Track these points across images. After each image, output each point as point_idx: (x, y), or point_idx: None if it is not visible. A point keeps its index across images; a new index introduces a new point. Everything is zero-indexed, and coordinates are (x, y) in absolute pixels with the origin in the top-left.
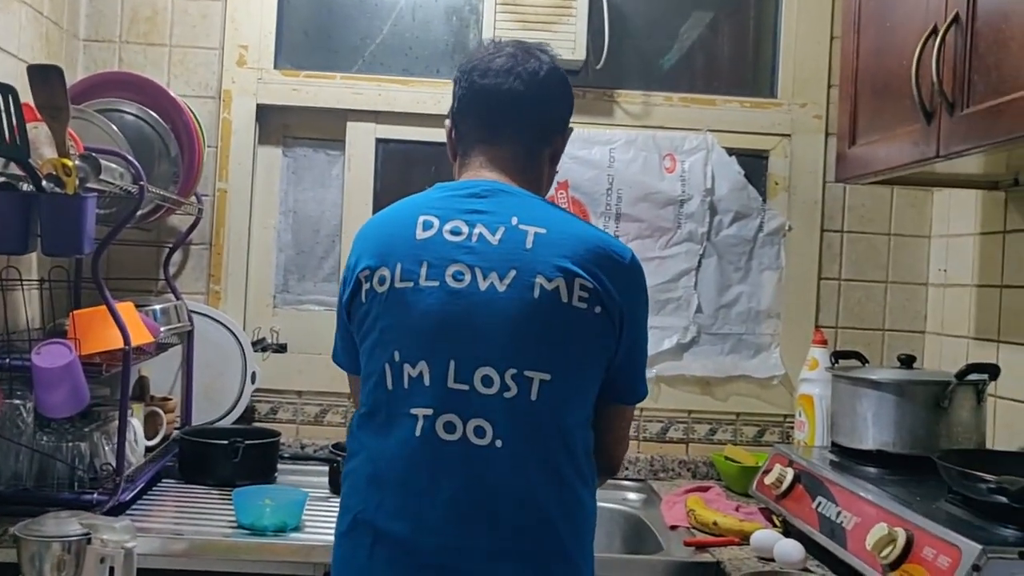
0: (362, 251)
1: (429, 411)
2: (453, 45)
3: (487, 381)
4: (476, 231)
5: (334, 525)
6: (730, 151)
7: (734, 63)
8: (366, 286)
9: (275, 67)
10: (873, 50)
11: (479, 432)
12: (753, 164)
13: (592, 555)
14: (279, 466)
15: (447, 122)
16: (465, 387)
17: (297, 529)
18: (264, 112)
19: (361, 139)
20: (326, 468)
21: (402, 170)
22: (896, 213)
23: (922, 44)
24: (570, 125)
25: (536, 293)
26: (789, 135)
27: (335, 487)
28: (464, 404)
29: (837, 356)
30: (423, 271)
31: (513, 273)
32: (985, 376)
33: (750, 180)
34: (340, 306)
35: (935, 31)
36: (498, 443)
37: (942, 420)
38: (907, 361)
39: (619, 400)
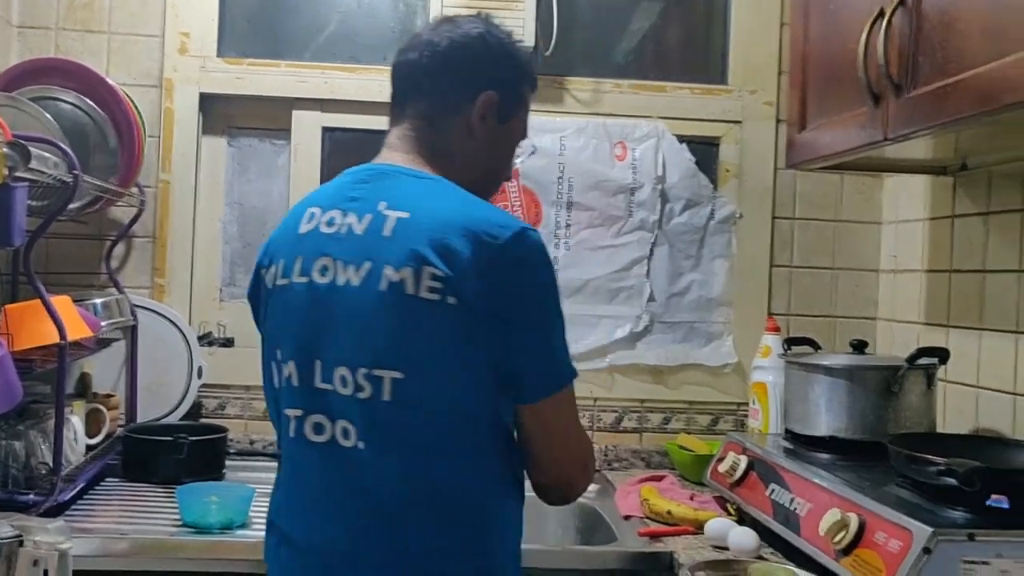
0: (264, 247)
1: (299, 412)
2: (400, 32)
3: (344, 381)
4: (347, 221)
5: None
6: (681, 138)
7: (684, 50)
8: (262, 283)
9: (218, 55)
10: (821, 35)
11: (345, 434)
12: (704, 151)
13: (503, 565)
14: (227, 463)
15: None
16: (329, 387)
17: (244, 526)
18: (207, 101)
19: (307, 128)
20: (275, 464)
21: (349, 159)
22: (846, 200)
23: (869, 27)
24: (491, 92)
25: (383, 285)
26: (740, 122)
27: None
28: (329, 405)
29: (789, 343)
30: (297, 267)
31: (368, 265)
32: (935, 360)
33: (701, 167)
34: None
35: (881, 14)
36: (360, 445)
37: (893, 405)
38: (859, 347)
39: (519, 400)
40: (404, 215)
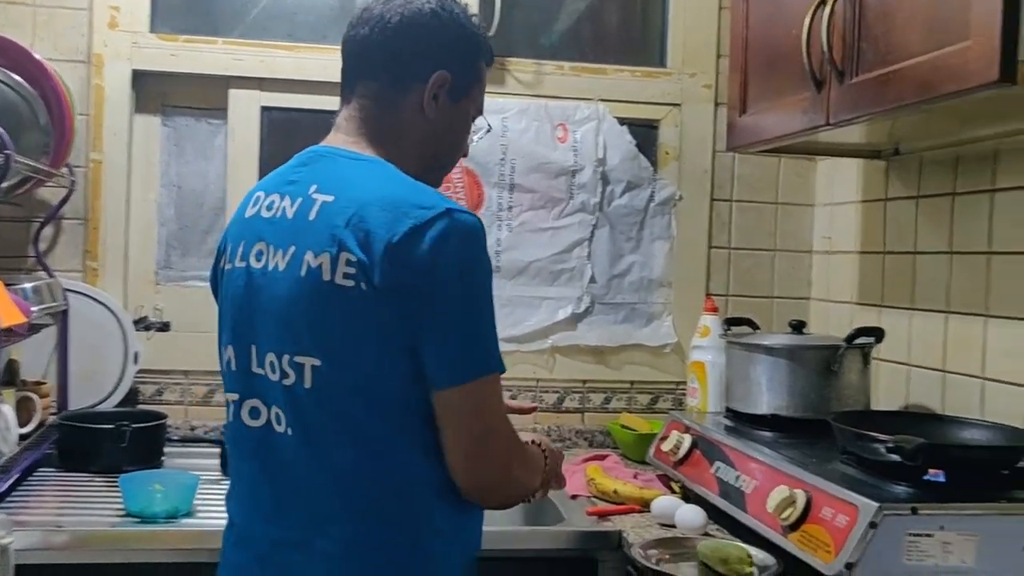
0: (224, 233)
1: (236, 396)
2: (339, 10)
3: (273, 367)
4: (282, 205)
5: (223, 508)
6: (621, 121)
7: (624, 33)
8: (219, 267)
9: (151, 30)
10: (763, 20)
11: (278, 420)
12: (644, 134)
13: (420, 561)
14: (166, 449)
15: None
16: (262, 372)
17: (189, 515)
18: (140, 78)
19: (244, 107)
20: (217, 450)
21: (289, 139)
22: (783, 182)
23: (812, 14)
24: (444, 72)
25: (303, 271)
26: (679, 105)
27: (227, 469)
28: (264, 390)
29: (729, 323)
30: (240, 251)
31: (292, 250)
32: (872, 340)
33: (641, 150)
34: None
35: (824, 1)
36: (289, 432)
37: (832, 383)
38: (798, 327)
39: (434, 385)
40: (329, 199)
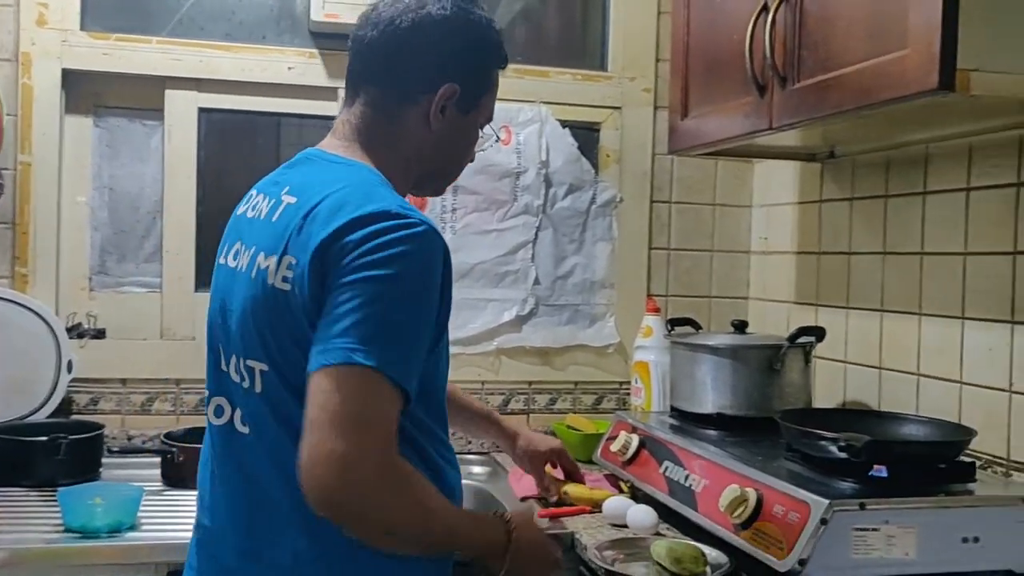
0: None
1: (207, 393)
2: (279, 11)
3: (236, 369)
4: (262, 205)
5: (168, 521)
6: (563, 123)
7: (566, 36)
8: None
9: (82, 28)
10: (704, 25)
11: (242, 419)
12: (586, 136)
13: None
14: (104, 461)
15: None
16: (227, 372)
17: (133, 528)
18: (71, 78)
19: (182, 108)
20: (158, 460)
21: (228, 141)
22: (720, 184)
23: (754, 21)
24: (453, 84)
25: (254, 273)
26: (620, 108)
27: (169, 480)
28: (229, 390)
29: (673, 323)
30: (224, 250)
31: (252, 251)
32: (812, 339)
33: (583, 152)
34: None
35: (766, 8)
36: (247, 431)
37: (775, 382)
38: (740, 327)
39: (310, 367)
40: (292, 200)
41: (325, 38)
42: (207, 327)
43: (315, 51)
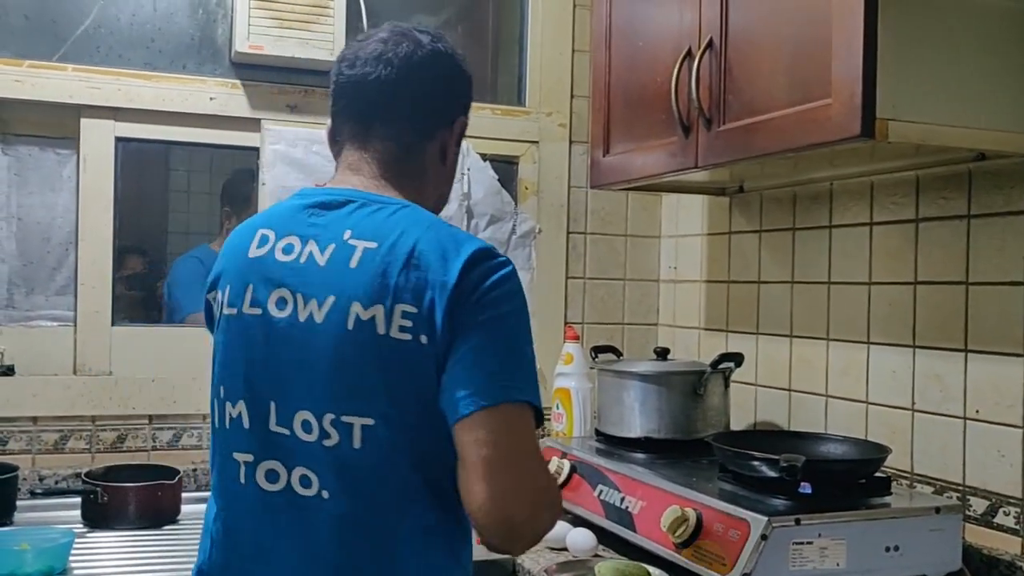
0: (215, 267)
1: (249, 457)
2: (200, 40)
3: (307, 427)
4: (307, 249)
5: (100, 565)
6: (484, 156)
7: (486, 72)
8: (215, 308)
9: None
10: (626, 66)
11: (304, 482)
12: (505, 170)
13: None
14: (18, 503)
15: (328, 123)
16: (286, 432)
17: (64, 574)
18: None
19: (98, 137)
20: (75, 501)
21: (146, 172)
22: (631, 216)
23: (679, 64)
24: (464, 117)
25: (351, 324)
26: (537, 142)
27: (92, 522)
28: (286, 450)
29: (596, 351)
30: (248, 296)
31: (331, 300)
32: (732, 364)
33: (503, 185)
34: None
35: (691, 53)
36: (325, 494)
37: (699, 405)
38: (662, 353)
39: (453, 417)
40: (372, 245)
41: (248, 69)
42: (234, 384)
43: (237, 82)
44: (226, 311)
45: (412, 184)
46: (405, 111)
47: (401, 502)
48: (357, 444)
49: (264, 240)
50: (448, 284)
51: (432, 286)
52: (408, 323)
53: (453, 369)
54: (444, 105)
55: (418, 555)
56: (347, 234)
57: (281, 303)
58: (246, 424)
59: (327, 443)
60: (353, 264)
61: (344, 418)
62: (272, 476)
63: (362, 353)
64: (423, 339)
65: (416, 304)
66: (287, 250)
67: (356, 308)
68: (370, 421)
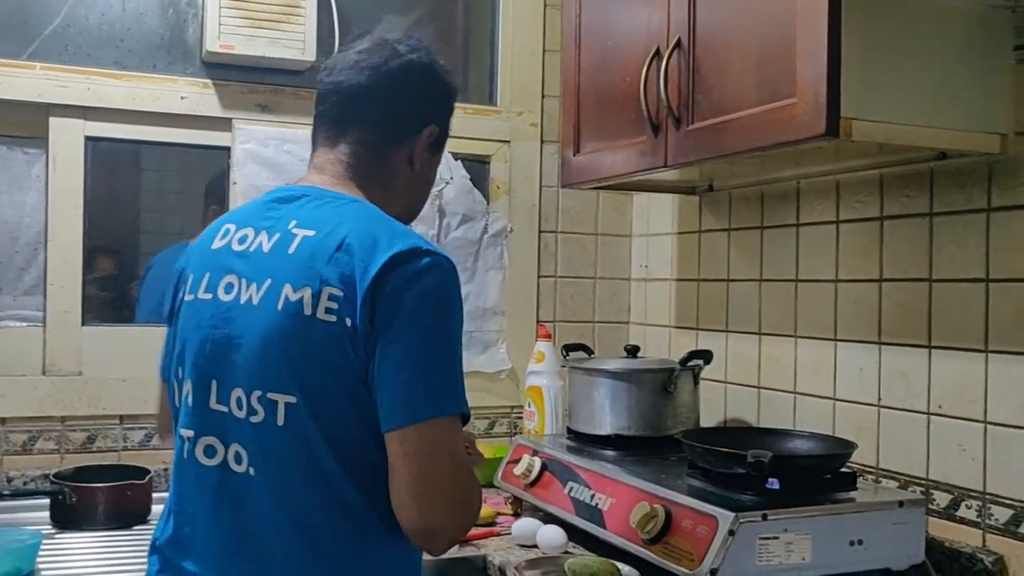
0: (180, 261)
1: (191, 433)
2: (170, 39)
3: (240, 404)
4: (258, 239)
5: (69, 566)
6: (456, 155)
7: (457, 71)
8: (176, 299)
9: None
10: (596, 66)
11: (238, 459)
12: (477, 169)
13: None
14: None
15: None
16: (225, 409)
17: (32, 574)
18: None
19: (67, 137)
20: (43, 502)
21: (118, 172)
22: (602, 215)
23: (648, 64)
24: (434, 126)
25: (280, 305)
26: (508, 142)
27: (61, 523)
28: (223, 427)
29: (567, 349)
30: (204, 282)
31: (268, 283)
32: (701, 361)
33: (475, 184)
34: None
35: (659, 53)
36: (252, 471)
37: (669, 403)
38: (632, 351)
39: (385, 426)
40: (310, 233)
41: (219, 68)
42: (186, 364)
43: (208, 81)
44: (186, 298)
45: (378, 188)
46: (374, 116)
47: (320, 479)
48: (280, 421)
49: (226, 233)
50: (370, 272)
51: (356, 272)
52: (334, 305)
53: (381, 370)
54: (414, 112)
55: (339, 532)
56: (292, 224)
57: (229, 287)
58: (190, 402)
59: (254, 419)
60: (291, 250)
61: (270, 395)
62: (210, 451)
63: (288, 333)
64: (347, 322)
65: (343, 288)
66: (242, 240)
67: (287, 290)
68: (292, 399)
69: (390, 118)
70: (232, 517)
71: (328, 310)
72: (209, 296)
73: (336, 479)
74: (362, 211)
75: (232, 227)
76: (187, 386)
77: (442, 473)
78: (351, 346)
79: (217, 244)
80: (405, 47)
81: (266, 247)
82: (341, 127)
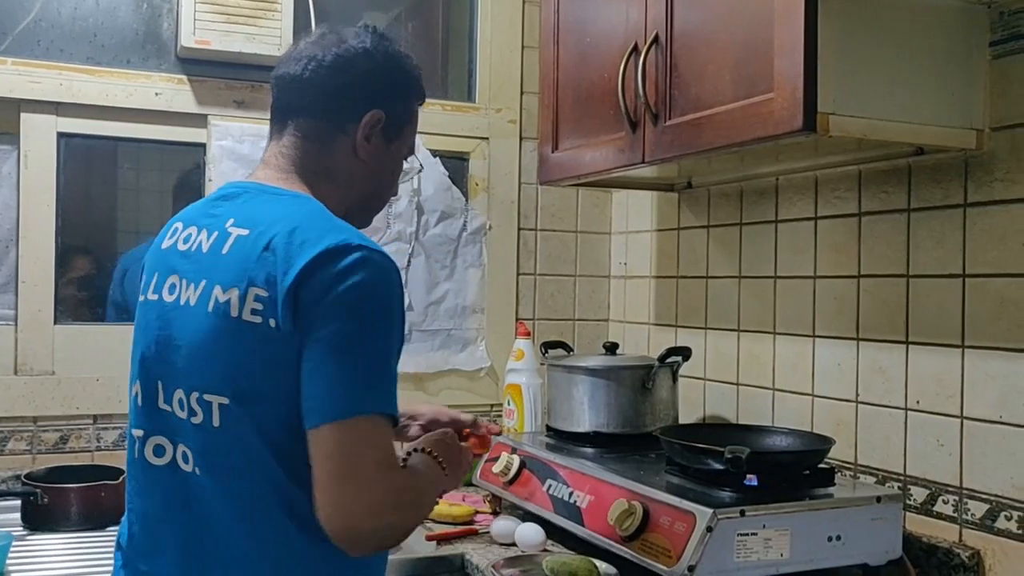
0: (145, 257)
1: (141, 432)
2: (144, 35)
3: (181, 404)
4: (200, 238)
5: (40, 568)
6: (434, 153)
7: (436, 68)
8: (139, 296)
9: None
10: (574, 62)
11: (185, 458)
12: (455, 166)
13: None
14: None
15: None
16: (170, 409)
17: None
18: None
19: (39, 133)
20: (14, 503)
21: (93, 169)
22: (582, 212)
23: (625, 61)
24: (377, 111)
25: (211, 306)
26: (487, 138)
27: (32, 524)
28: (171, 428)
29: (546, 346)
30: (154, 283)
31: (203, 284)
32: (679, 358)
33: (454, 181)
34: None
35: (636, 49)
36: (197, 471)
37: (647, 400)
38: (611, 348)
39: (305, 424)
40: (244, 232)
41: (194, 64)
42: (137, 364)
43: (183, 77)
44: (140, 299)
45: (325, 181)
46: (314, 106)
47: (262, 479)
48: (216, 422)
49: (174, 232)
50: (291, 272)
51: (279, 272)
52: (259, 306)
53: (307, 368)
54: (355, 99)
55: (286, 532)
56: (230, 222)
57: (172, 288)
58: (140, 402)
59: (194, 420)
60: (225, 250)
61: (206, 396)
62: (159, 451)
63: (219, 334)
64: (271, 323)
65: (267, 288)
66: (187, 239)
67: (216, 291)
68: (225, 400)
69: (330, 107)
70: (182, 516)
71: (254, 311)
72: (156, 297)
73: (278, 479)
74: (300, 207)
75: (180, 226)
76: (136, 386)
77: (362, 475)
78: (281, 347)
79: (166, 243)
80: (354, 35)
81: (205, 247)
82: (283, 119)
